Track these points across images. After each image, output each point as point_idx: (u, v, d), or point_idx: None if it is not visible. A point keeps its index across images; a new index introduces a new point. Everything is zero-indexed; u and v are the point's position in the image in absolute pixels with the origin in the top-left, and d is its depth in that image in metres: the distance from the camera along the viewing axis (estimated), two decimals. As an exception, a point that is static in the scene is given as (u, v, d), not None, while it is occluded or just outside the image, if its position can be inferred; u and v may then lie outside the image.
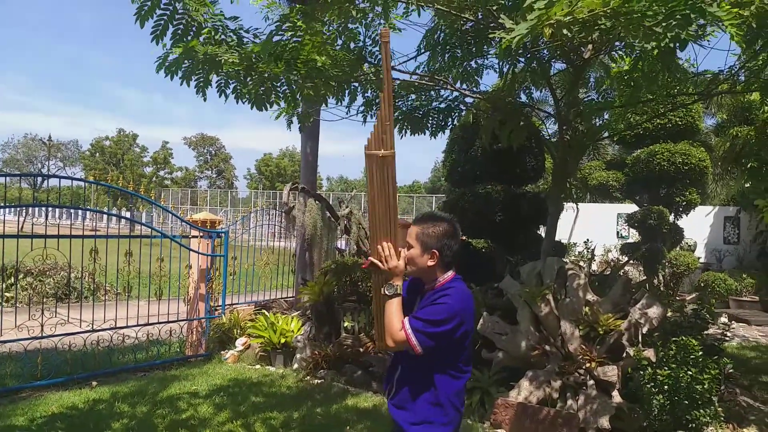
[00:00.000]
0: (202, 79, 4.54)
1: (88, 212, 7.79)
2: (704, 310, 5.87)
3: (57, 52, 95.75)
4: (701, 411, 4.39)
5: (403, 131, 6.78)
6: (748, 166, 8.17)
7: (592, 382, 4.96)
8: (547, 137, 7.76)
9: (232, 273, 7.97)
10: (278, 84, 4.83)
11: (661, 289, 10.84)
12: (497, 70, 6.44)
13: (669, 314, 5.88)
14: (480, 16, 5.41)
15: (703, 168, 11.83)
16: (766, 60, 5.14)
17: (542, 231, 8.46)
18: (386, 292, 2.28)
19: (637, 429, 4.75)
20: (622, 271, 8.31)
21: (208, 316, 7.39)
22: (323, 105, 5.69)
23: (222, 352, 7.24)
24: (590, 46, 5.87)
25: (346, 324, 6.84)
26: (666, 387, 4.46)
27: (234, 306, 8.14)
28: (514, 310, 5.66)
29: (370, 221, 2.36)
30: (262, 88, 4.73)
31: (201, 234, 7.35)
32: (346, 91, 5.75)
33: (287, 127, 5.95)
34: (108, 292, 11.08)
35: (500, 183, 8.58)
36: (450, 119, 6.95)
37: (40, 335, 5.79)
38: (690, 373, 4.42)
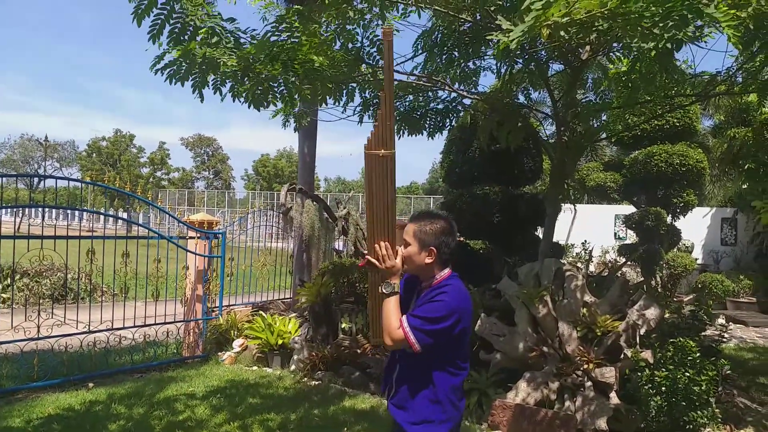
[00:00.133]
0: (198, 80, 4.54)
1: (84, 213, 7.77)
2: (701, 311, 5.88)
3: (57, 52, 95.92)
4: (699, 412, 4.39)
5: (401, 132, 6.78)
6: (746, 167, 8.20)
7: (589, 383, 4.96)
8: (545, 138, 7.76)
9: (229, 274, 7.96)
10: (276, 85, 4.83)
11: (659, 290, 10.84)
12: (495, 71, 6.45)
13: (666, 315, 5.89)
14: (478, 17, 5.41)
15: (700, 169, 11.85)
16: (763, 61, 5.14)
17: (540, 232, 8.46)
18: (384, 291, 2.29)
19: (635, 430, 4.75)
20: (620, 272, 8.31)
21: (205, 318, 7.37)
22: (321, 105, 5.69)
23: (219, 354, 7.22)
24: (588, 48, 5.87)
25: (343, 325, 6.83)
26: (663, 388, 4.46)
27: (231, 307, 8.13)
28: (511, 312, 5.66)
29: (368, 220, 2.36)
30: (259, 89, 4.72)
31: (198, 235, 7.33)
32: (344, 92, 5.75)
33: (282, 126, 5.94)
34: (105, 293, 11.05)
35: (498, 184, 8.58)
36: (448, 120, 6.95)
37: (36, 336, 5.76)
38: (687, 374, 4.42)
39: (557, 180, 6.72)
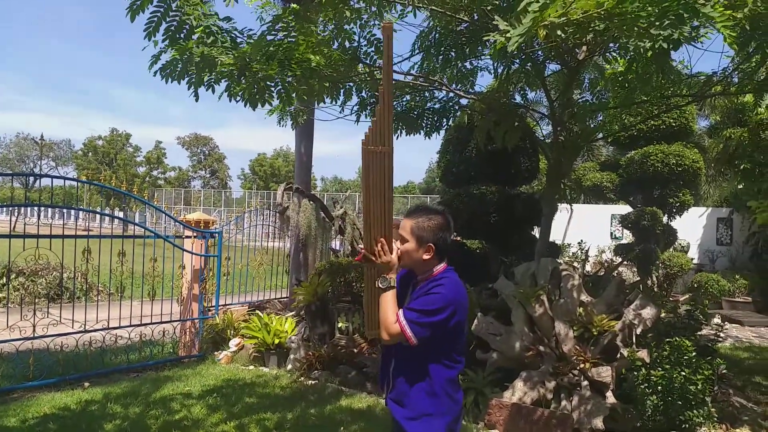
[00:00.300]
0: (194, 79, 4.53)
1: (80, 212, 7.76)
2: (697, 311, 5.90)
3: (56, 52, 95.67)
4: (694, 411, 4.41)
5: (398, 131, 6.79)
6: (741, 167, 8.25)
7: (586, 382, 4.97)
8: (542, 138, 7.80)
9: (225, 273, 7.95)
10: (272, 84, 4.82)
11: (655, 290, 10.88)
12: (492, 71, 6.46)
13: (662, 315, 5.90)
14: (475, 17, 5.42)
15: (696, 169, 11.89)
16: (759, 62, 5.17)
17: (536, 232, 8.47)
18: (380, 285, 2.30)
19: (631, 429, 4.76)
20: (616, 272, 8.33)
21: (201, 317, 7.35)
22: (318, 104, 5.69)
23: (215, 353, 7.21)
24: (584, 48, 5.89)
25: (340, 325, 6.83)
26: (660, 387, 4.48)
27: (228, 306, 8.12)
28: (508, 311, 5.67)
29: (365, 216, 2.36)
30: (256, 88, 4.71)
31: (194, 234, 7.32)
32: (341, 91, 5.75)
33: (278, 123, 5.90)
34: (101, 293, 11.04)
35: (495, 184, 8.58)
36: (445, 120, 6.96)
37: (32, 336, 5.74)
38: (683, 373, 4.44)
39: (554, 180, 6.74)
